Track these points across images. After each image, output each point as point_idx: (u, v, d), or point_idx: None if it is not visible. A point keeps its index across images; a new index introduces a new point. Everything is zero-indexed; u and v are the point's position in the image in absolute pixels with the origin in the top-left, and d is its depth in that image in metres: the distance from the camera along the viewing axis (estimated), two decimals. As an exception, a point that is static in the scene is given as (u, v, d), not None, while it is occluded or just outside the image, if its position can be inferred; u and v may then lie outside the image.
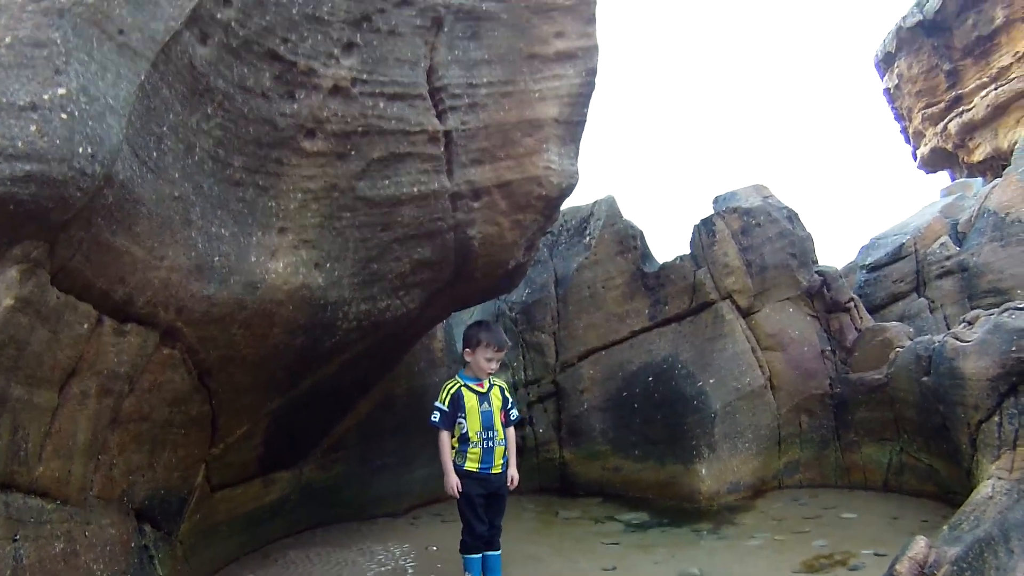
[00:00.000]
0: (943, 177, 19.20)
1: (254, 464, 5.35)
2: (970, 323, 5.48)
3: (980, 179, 14.22)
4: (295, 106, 3.90)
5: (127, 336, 3.31)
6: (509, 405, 5.20)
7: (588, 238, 8.29)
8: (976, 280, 8.73)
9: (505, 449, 5.08)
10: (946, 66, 16.79)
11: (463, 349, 5.17)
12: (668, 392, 7.45)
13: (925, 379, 5.93)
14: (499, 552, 5.16)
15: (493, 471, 5.02)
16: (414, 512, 7.19)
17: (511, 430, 5.19)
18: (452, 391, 5.03)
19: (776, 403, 7.44)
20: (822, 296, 7.71)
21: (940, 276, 9.11)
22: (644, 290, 7.89)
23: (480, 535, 5.03)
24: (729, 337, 7.49)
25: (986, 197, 9.24)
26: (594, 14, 5.12)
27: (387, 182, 4.41)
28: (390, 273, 4.70)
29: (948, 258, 9.08)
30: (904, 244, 9.62)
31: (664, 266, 7.89)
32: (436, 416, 5.01)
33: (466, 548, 5.05)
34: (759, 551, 5.76)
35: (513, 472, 5.11)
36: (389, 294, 4.81)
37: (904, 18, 17.40)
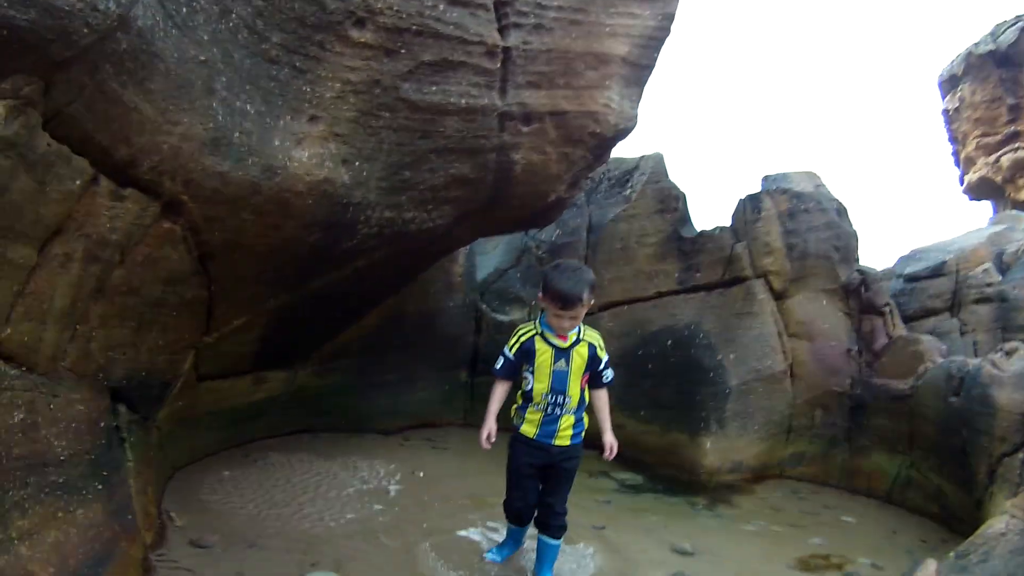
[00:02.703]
0: (986, 207, 19.43)
1: (247, 359, 5.13)
2: (1008, 353, 5.38)
3: (1032, 215, 14.12)
4: (349, -11, 3.56)
5: (125, 201, 3.01)
6: (601, 366, 4.22)
7: (629, 191, 7.95)
8: (1014, 313, 8.57)
9: (577, 419, 4.20)
10: (1010, 100, 16.93)
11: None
12: (685, 360, 7.19)
13: (953, 399, 5.73)
14: (557, 542, 4.34)
15: (556, 442, 4.17)
16: (406, 433, 6.99)
17: (603, 392, 4.34)
18: (524, 338, 4.19)
19: (793, 392, 7.18)
20: (859, 295, 7.42)
21: (977, 301, 8.95)
22: (677, 253, 7.58)
23: (514, 510, 4.35)
24: (758, 316, 7.21)
25: (1038, 233, 9.20)
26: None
27: (434, 88, 4.06)
28: (422, 184, 4.38)
29: (989, 285, 8.92)
30: (947, 262, 9.39)
31: (702, 233, 7.57)
32: (499, 363, 4.23)
33: (505, 513, 4.47)
34: (755, 538, 5.57)
35: (610, 439, 4.27)
36: (418, 205, 4.49)
37: (976, 44, 17.57)
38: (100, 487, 3.48)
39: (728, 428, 6.92)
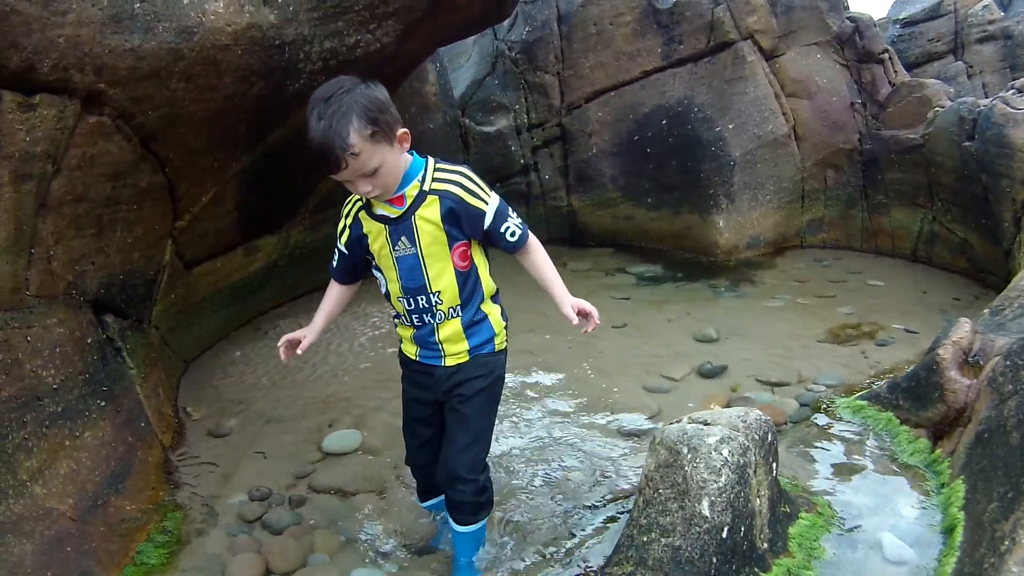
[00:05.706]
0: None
1: (231, 232, 4.85)
2: (1020, 91, 5.07)
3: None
4: None
5: (37, 109, 2.67)
6: (488, 222, 2.55)
7: (594, -31, 7.42)
8: (1021, 50, 8.36)
9: (469, 322, 2.67)
10: None
11: None
12: (683, 136, 6.94)
13: (968, 144, 5.44)
14: (463, 530, 2.81)
15: (447, 362, 2.70)
16: (414, 270, 6.81)
17: (527, 253, 2.71)
18: (349, 219, 2.68)
19: (800, 155, 6.97)
20: (854, 44, 7.06)
21: (981, 40, 8.70)
22: (656, 27, 7.16)
23: (411, 465, 3.05)
24: (750, 80, 6.89)
25: (1039, -36, 8.86)
26: None
27: None
28: (357, 4, 3.92)
29: (991, 22, 8.66)
30: (943, 1, 9.00)
31: (679, 2, 7.11)
32: (334, 257, 2.83)
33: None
34: (781, 314, 5.45)
35: (571, 305, 2.70)
36: (358, 28, 4.03)
37: None
38: (104, 403, 3.35)
39: (739, 202, 6.75)
